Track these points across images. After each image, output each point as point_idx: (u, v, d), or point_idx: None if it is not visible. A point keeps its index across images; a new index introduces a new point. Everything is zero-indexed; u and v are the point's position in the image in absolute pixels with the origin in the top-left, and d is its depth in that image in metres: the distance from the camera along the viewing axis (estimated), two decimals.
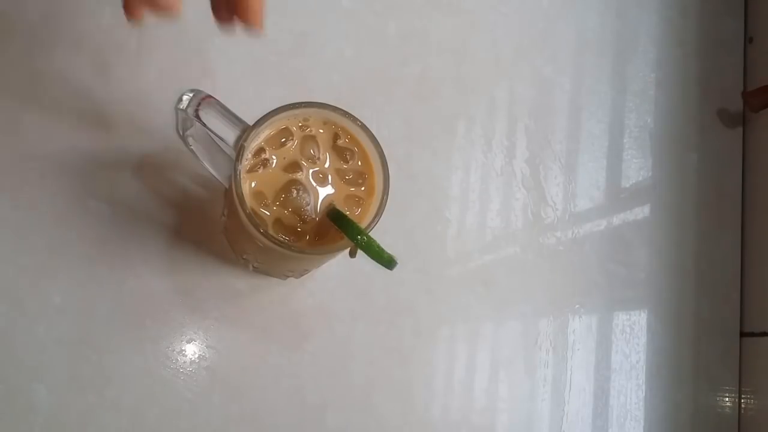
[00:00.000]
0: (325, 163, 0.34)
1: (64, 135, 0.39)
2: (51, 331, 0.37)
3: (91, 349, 0.38)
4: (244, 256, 0.40)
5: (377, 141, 0.34)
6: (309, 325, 0.42)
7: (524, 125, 0.49)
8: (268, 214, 0.33)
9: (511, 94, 0.50)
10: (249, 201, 0.32)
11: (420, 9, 0.48)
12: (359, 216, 0.34)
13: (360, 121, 0.34)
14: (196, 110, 0.32)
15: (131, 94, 0.40)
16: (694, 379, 0.50)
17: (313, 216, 0.33)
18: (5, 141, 0.38)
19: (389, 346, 0.43)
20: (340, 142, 0.35)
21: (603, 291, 0.49)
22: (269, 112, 0.32)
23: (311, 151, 0.34)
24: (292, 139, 0.34)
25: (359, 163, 0.34)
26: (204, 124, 0.32)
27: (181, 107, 0.32)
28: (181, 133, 0.35)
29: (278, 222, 0.33)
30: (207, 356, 0.39)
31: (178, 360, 0.39)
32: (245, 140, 0.32)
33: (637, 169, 0.52)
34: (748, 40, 0.58)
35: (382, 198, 0.33)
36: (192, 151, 0.36)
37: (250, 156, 0.33)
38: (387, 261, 0.32)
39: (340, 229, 0.33)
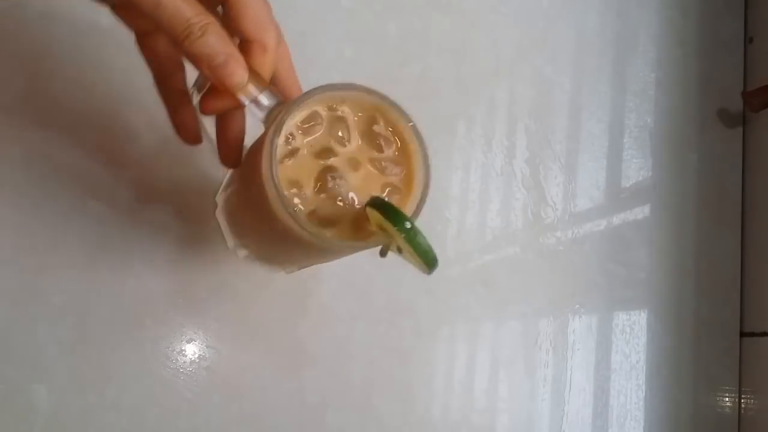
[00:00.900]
0: (356, 148, 0.32)
1: (64, 135, 0.39)
2: (51, 331, 0.37)
3: (92, 349, 0.38)
4: (242, 241, 0.38)
5: (419, 133, 0.32)
6: (309, 325, 0.42)
7: (524, 125, 0.49)
8: (298, 202, 0.30)
9: (511, 94, 0.50)
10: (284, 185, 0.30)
11: (420, 9, 0.48)
12: None
13: (405, 114, 0.32)
14: None
15: (131, 94, 0.40)
16: (694, 379, 0.50)
17: (350, 206, 0.31)
18: (4, 141, 0.38)
19: (389, 346, 0.43)
20: (376, 128, 0.32)
21: (603, 291, 0.49)
22: (309, 91, 0.30)
23: (339, 134, 0.32)
24: (321, 123, 0.32)
25: (395, 153, 0.32)
26: None
27: None
28: (197, 91, 0.33)
29: (313, 213, 0.31)
30: (207, 356, 0.39)
31: (178, 360, 0.39)
32: (285, 115, 0.29)
33: (637, 169, 0.52)
34: (748, 40, 0.58)
35: (423, 191, 0.31)
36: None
37: (281, 141, 0.31)
38: (431, 259, 0.30)
39: (384, 218, 0.29)
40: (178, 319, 0.39)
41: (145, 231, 0.39)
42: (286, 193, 0.30)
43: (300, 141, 0.31)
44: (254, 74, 0.30)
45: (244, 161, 0.34)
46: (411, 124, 0.32)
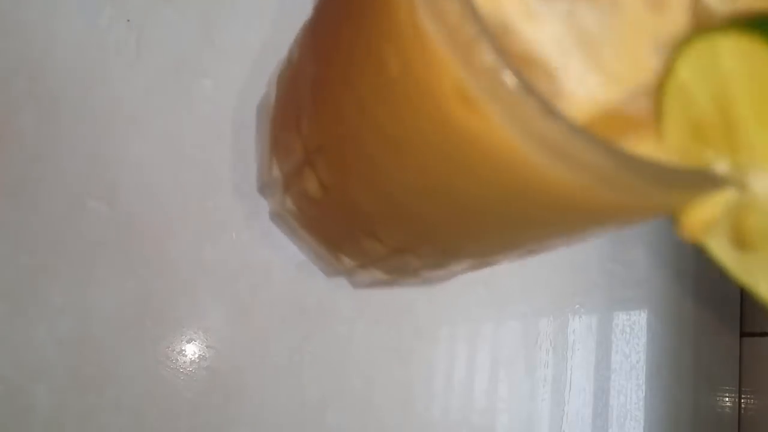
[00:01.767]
0: None
1: (63, 135, 0.39)
2: (51, 331, 0.37)
3: (91, 349, 0.38)
4: (369, 230, 0.20)
5: None
6: (309, 325, 0.42)
7: None
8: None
9: None
10: None
11: None
12: None
13: None
14: None
15: (130, 93, 0.40)
16: (694, 379, 0.50)
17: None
18: (4, 141, 0.38)
19: (389, 346, 0.43)
20: None
21: (603, 291, 0.49)
22: None
23: None
24: None
25: None
26: None
27: None
28: None
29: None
30: (207, 356, 0.39)
31: (178, 360, 0.39)
32: None
33: None
34: None
35: None
36: None
37: None
38: None
39: None
40: (177, 319, 0.39)
41: (145, 231, 0.39)
42: None
43: None
44: None
45: None
46: None
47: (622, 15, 0.13)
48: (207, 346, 0.40)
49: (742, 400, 0.51)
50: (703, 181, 0.12)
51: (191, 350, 0.39)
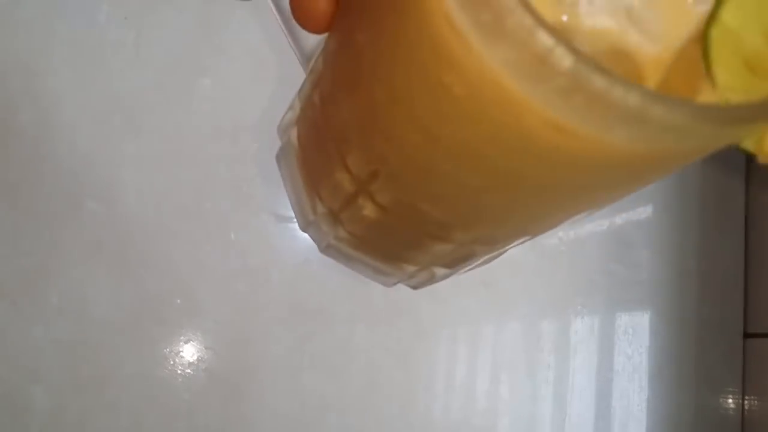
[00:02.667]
0: None
1: (62, 134, 0.39)
2: (49, 332, 0.37)
3: (89, 350, 0.37)
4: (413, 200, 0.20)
5: None
6: (309, 325, 0.41)
7: None
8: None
9: None
10: None
11: None
12: None
13: None
14: None
15: (129, 93, 0.40)
16: (696, 380, 0.50)
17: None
18: (2, 140, 0.38)
19: (390, 347, 0.43)
20: None
21: (605, 292, 0.49)
22: None
23: None
24: None
25: None
26: None
27: None
28: None
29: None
30: (205, 357, 0.39)
31: (176, 361, 0.39)
32: None
33: None
34: None
35: None
36: None
37: None
38: None
39: None
40: (176, 320, 0.39)
41: (144, 231, 0.39)
42: None
43: None
44: None
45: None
46: None
47: None
48: (205, 347, 0.39)
49: (746, 402, 0.51)
50: None
51: (189, 351, 0.39)
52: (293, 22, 0.19)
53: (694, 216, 0.53)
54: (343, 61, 0.19)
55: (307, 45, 0.23)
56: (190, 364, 0.39)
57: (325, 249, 0.27)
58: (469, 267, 0.24)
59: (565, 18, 0.14)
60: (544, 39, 0.12)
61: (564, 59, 0.12)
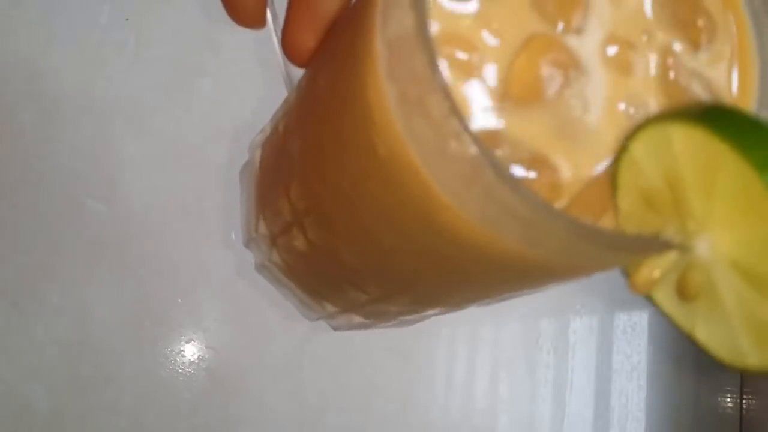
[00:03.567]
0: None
1: (62, 134, 0.39)
2: (49, 331, 0.37)
3: (90, 350, 0.37)
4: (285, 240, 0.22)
5: None
6: (309, 326, 0.41)
7: None
8: (488, 107, 0.15)
9: None
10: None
11: None
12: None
13: None
14: None
15: (130, 93, 0.40)
16: (695, 379, 0.50)
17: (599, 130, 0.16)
18: (3, 141, 0.38)
19: (389, 346, 0.43)
20: None
21: (604, 291, 0.49)
22: None
23: None
24: None
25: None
26: None
27: None
28: None
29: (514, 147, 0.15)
30: (206, 357, 0.39)
31: (176, 361, 0.39)
32: None
33: None
34: None
35: None
36: None
37: None
38: None
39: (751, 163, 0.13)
40: (177, 319, 0.39)
41: (144, 231, 0.39)
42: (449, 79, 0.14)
43: None
44: None
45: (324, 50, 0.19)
46: None
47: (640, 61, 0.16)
48: (206, 347, 0.39)
49: (744, 401, 0.51)
50: (653, 245, 0.14)
51: (190, 351, 0.39)
52: None
53: None
54: (306, 98, 0.20)
55: (296, 76, 0.23)
56: (191, 363, 0.39)
57: (260, 268, 0.28)
58: (389, 324, 0.25)
59: (496, 120, 0.15)
60: (455, 124, 0.13)
61: (469, 147, 0.13)
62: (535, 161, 0.15)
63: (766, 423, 0.49)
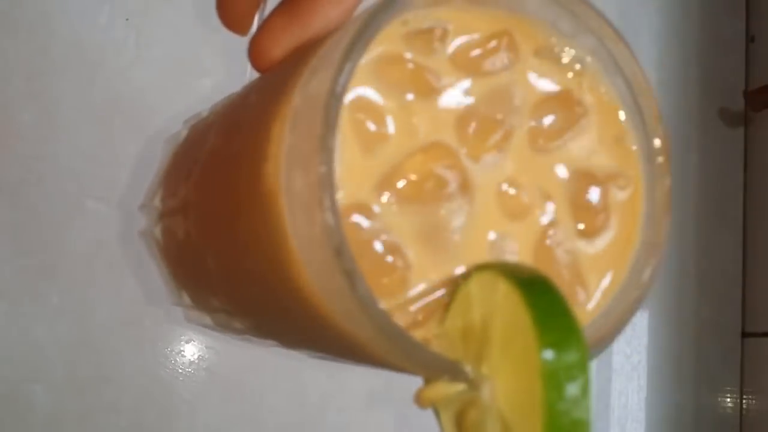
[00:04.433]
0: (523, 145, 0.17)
1: (63, 134, 0.39)
2: (49, 331, 0.37)
3: (90, 350, 0.37)
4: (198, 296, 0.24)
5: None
6: None
7: None
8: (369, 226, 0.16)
9: None
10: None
11: None
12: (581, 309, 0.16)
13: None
14: None
15: (130, 93, 0.40)
16: (695, 379, 0.50)
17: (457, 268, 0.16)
18: (3, 141, 0.38)
19: None
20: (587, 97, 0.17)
21: None
22: None
23: (497, 112, 0.17)
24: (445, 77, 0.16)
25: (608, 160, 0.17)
26: None
27: None
28: None
29: (377, 266, 0.16)
30: (206, 357, 0.39)
31: (177, 361, 0.39)
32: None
33: None
34: (750, 39, 0.57)
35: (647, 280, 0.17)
36: None
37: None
38: None
39: (534, 322, 0.14)
40: (177, 319, 0.39)
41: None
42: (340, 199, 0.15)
43: (395, 103, 0.16)
44: None
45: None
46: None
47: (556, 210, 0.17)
48: (206, 347, 0.39)
49: (744, 401, 0.51)
50: (447, 369, 0.16)
51: (190, 351, 0.39)
52: None
53: (693, 216, 0.53)
54: (232, 107, 0.22)
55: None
56: (191, 363, 0.39)
57: (142, 235, 0.29)
58: (239, 337, 0.27)
59: (372, 200, 0.16)
60: (328, 215, 0.13)
61: (336, 240, 0.13)
62: (395, 249, 0.16)
63: (766, 423, 0.49)
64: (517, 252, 0.17)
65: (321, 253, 0.14)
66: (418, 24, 0.16)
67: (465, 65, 0.16)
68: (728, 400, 0.51)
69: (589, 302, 0.18)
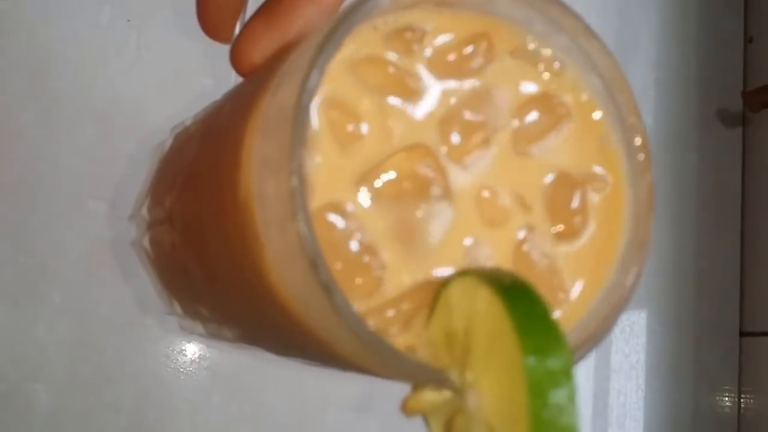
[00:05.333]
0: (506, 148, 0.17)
1: (63, 134, 0.39)
2: (50, 331, 0.37)
3: (91, 349, 0.38)
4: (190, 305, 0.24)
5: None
6: None
7: None
8: (343, 226, 0.16)
9: None
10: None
11: None
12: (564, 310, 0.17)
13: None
14: None
15: (130, 93, 0.40)
16: (693, 379, 0.50)
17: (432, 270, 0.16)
18: (3, 141, 0.38)
19: None
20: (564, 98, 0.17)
21: None
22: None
23: (477, 114, 0.16)
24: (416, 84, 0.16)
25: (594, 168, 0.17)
26: None
27: None
28: None
29: (352, 266, 0.16)
30: (207, 356, 0.39)
31: (178, 360, 0.39)
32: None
33: None
34: (748, 39, 0.58)
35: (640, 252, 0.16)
36: None
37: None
38: None
39: (515, 324, 0.14)
40: (177, 319, 0.39)
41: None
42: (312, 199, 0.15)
43: (369, 106, 0.16)
44: None
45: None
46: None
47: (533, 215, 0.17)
48: (208, 346, 0.39)
49: (742, 400, 0.51)
50: (432, 378, 0.15)
51: (192, 350, 0.39)
52: None
53: (691, 216, 0.53)
54: (212, 116, 0.22)
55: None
56: (192, 362, 0.39)
57: (133, 245, 0.29)
58: (233, 344, 0.26)
59: (349, 196, 0.16)
60: (302, 226, 0.13)
61: (311, 248, 0.13)
62: (370, 249, 0.15)
63: (765, 422, 0.50)
64: (493, 257, 0.17)
65: (296, 264, 0.14)
66: (391, 27, 0.16)
67: (443, 67, 0.16)
68: (726, 399, 0.51)
69: (571, 305, 0.18)
